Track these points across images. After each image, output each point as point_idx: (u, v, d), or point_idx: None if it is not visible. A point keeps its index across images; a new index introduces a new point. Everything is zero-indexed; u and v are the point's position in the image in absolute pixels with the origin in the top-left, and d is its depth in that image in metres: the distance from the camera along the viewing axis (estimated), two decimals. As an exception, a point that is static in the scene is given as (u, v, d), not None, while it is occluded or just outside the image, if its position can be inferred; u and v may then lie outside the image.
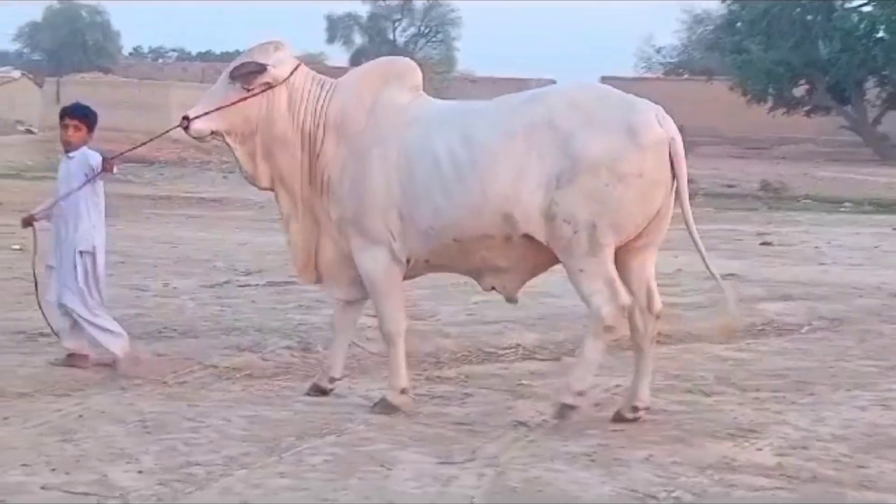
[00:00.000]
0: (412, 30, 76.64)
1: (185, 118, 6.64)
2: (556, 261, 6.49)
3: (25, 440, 5.81)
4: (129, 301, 9.90)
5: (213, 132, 6.65)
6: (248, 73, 6.62)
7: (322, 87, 6.76)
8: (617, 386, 6.97)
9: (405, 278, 6.78)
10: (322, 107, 6.68)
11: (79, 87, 46.87)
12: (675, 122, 6.34)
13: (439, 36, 75.75)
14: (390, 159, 6.46)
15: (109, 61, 73.40)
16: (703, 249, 6.44)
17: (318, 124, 6.66)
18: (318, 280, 6.96)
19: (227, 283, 11.17)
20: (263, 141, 6.67)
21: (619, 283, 6.23)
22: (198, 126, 6.62)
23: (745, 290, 11.61)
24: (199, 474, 5.36)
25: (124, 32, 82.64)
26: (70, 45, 74.54)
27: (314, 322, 8.98)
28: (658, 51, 65.77)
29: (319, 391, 6.96)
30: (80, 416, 6.31)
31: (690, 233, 6.39)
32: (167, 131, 7.35)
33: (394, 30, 76.54)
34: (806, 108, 46.82)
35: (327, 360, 7.09)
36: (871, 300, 11.14)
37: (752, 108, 46.22)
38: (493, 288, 6.64)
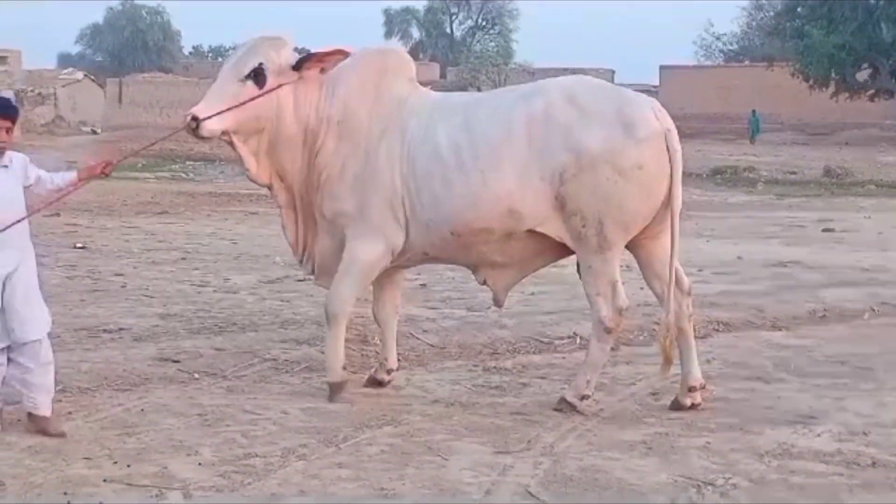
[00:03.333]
0: (469, 23, 76.79)
1: (195, 118, 6.25)
2: (551, 260, 6.64)
3: (88, 434, 5.89)
4: (189, 297, 10.03)
5: (224, 131, 6.40)
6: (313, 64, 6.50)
7: (321, 84, 6.64)
8: (675, 374, 6.94)
9: (401, 266, 6.88)
10: (323, 104, 6.62)
11: (140, 87, 47.53)
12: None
13: (496, 28, 75.77)
14: (395, 152, 6.47)
15: (170, 61, 74.31)
16: (676, 248, 6.32)
17: (321, 121, 6.60)
18: (313, 272, 6.98)
19: (285, 278, 11.25)
20: (270, 138, 6.56)
21: (620, 285, 6.31)
22: (212, 126, 6.28)
23: (806, 276, 11.54)
24: (258, 466, 5.41)
25: (185, 32, 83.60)
26: (131, 46, 75.54)
27: (370, 315, 9.01)
28: (718, 38, 65.25)
29: (376, 383, 7.01)
30: (142, 410, 6.39)
31: (672, 228, 6.27)
32: (173, 133, 6.98)
33: (451, 23, 76.73)
34: (869, 93, 46.25)
35: (381, 352, 7.14)
36: (935, 285, 10.99)
37: (814, 93, 45.73)
38: (485, 282, 6.68)
